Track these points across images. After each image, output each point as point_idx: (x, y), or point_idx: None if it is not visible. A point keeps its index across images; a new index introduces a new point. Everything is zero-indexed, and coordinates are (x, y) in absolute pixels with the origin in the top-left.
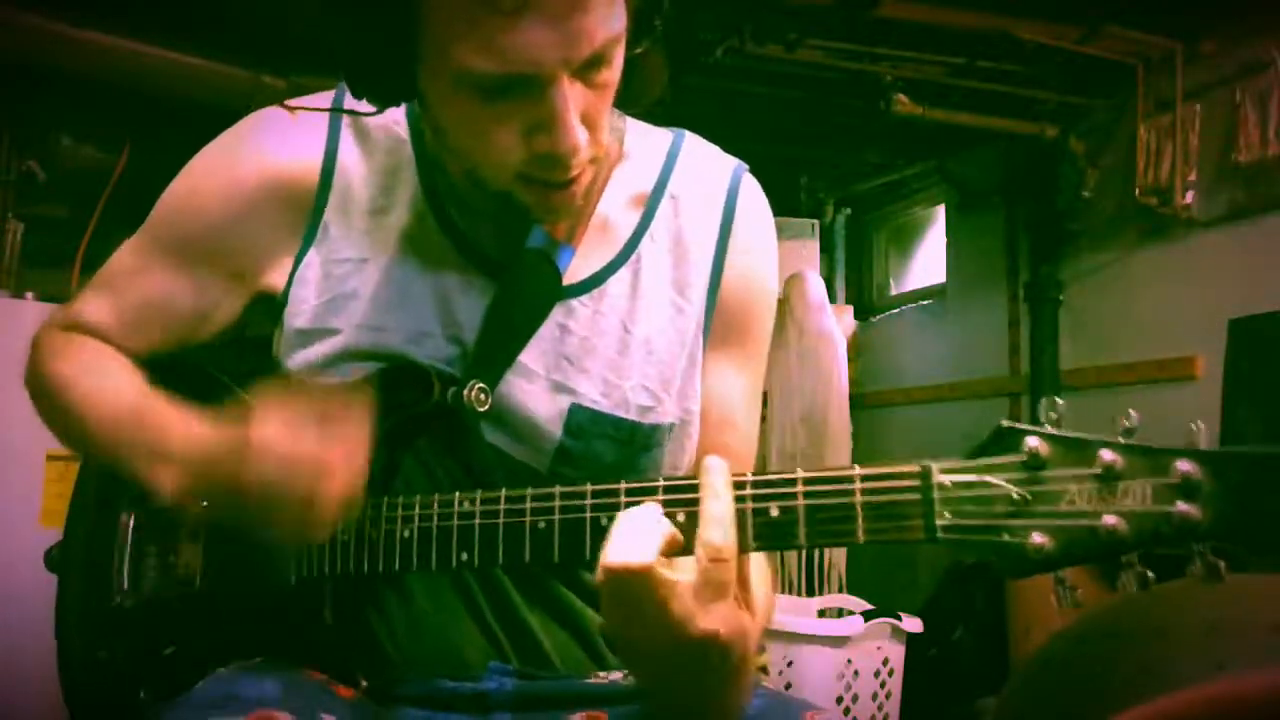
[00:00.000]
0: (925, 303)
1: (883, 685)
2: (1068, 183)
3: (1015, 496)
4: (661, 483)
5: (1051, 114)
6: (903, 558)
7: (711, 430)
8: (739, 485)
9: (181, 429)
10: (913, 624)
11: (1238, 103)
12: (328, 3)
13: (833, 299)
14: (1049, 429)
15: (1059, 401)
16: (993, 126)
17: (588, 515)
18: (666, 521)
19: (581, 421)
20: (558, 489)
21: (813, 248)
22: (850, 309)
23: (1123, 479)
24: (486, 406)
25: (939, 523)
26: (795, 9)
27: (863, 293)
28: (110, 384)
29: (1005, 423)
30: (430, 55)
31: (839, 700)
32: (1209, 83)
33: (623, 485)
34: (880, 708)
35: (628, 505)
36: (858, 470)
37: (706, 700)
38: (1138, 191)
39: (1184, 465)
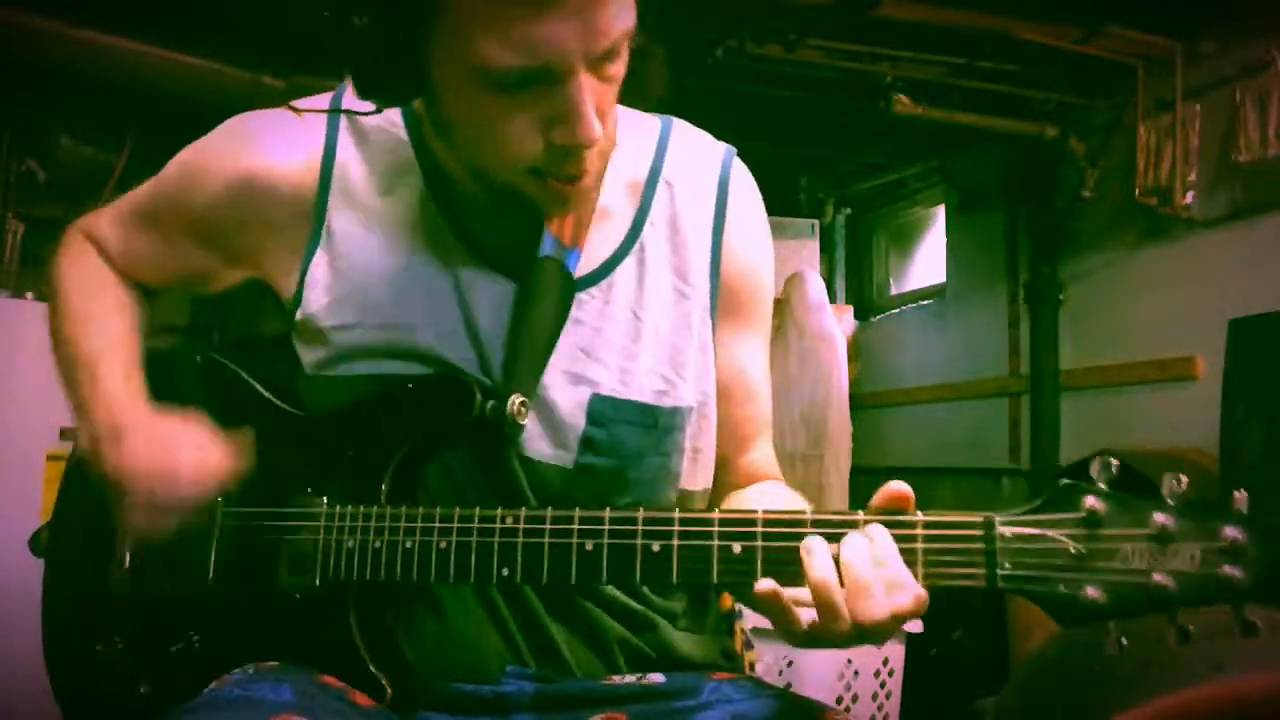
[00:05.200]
0: (925, 303)
1: (883, 685)
2: (1068, 183)
3: (1073, 551)
4: (717, 514)
5: (1051, 114)
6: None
7: (737, 405)
8: (799, 524)
9: (110, 399)
10: (913, 624)
11: (1238, 103)
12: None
13: (833, 299)
14: (1105, 488)
15: (1114, 461)
16: (993, 126)
17: (639, 542)
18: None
19: (603, 409)
20: (608, 512)
21: (813, 248)
22: (850, 309)
23: (1174, 540)
24: (527, 419)
25: (1000, 572)
26: (795, 9)
27: (863, 293)
28: (92, 319)
29: (1065, 480)
30: (445, 49)
31: (839, 700)
32: (1209, 83)
33: (676, 514)
34: (880, 708)
35: (681, 534)
36: (920, 517)
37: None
38: (1138, 191)
39: (1232, 531)
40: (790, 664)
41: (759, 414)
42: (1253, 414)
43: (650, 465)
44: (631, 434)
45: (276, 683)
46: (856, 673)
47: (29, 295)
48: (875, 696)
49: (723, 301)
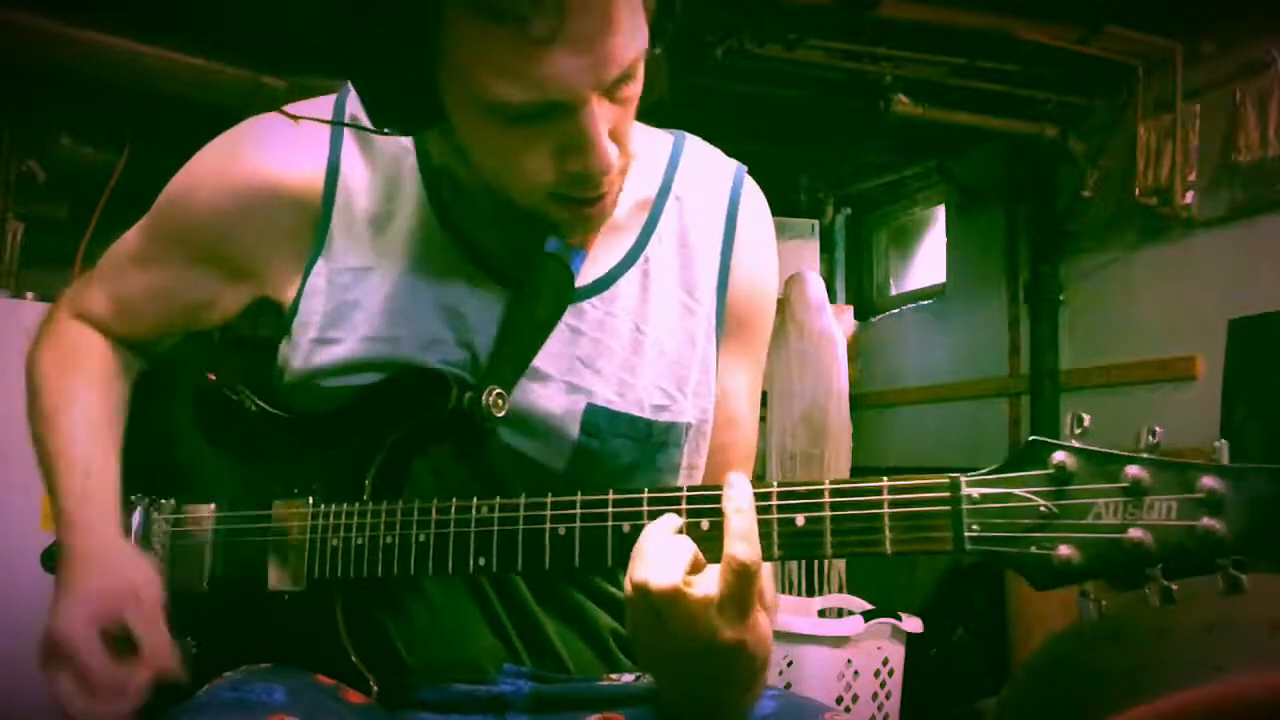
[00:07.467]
0: (925, 303)
1: (883, 685)
2: (1068, 183)
3: (1042, 509)
4: (685, 492)
5: (1051, 114)
6: (903, 558)
7: (719, 432)
8: (764, 496)
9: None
10: (913, 624)
11: (1238, 103)
12: (348, 37)
13: (833, 299)
14: (1076, 443)
15: (1085, 416)
16: (993, 126)
17: (609, 523)
18: (688, 541)
19: (598, 421)
20: (579, 496)
21: (813, 248)
22: (850, 309)
23: (1149, 494)
24: (503, 411)
25: (967, 534)
26: (795, 9)
27: (863, 293)
28: (72, 406)
29: (1035, 437)
30: (454, 84)
31: (839, 700)
32: (1209, 83)
33: (645, 494)
34: (880, 708)
35: (650, 514)
36: (886, 482)
37: (725, 701)
38: (1138, 191)
39: (1209, 481)
40: (790, 664)
41: (739, 444)
42: (1253, 414)
43: (642, 480)
44: (625, 447)
45: (269, 684)
46: (856, 673)
47: (29, 295)
48: (875, 696)
49: (726, 321)
